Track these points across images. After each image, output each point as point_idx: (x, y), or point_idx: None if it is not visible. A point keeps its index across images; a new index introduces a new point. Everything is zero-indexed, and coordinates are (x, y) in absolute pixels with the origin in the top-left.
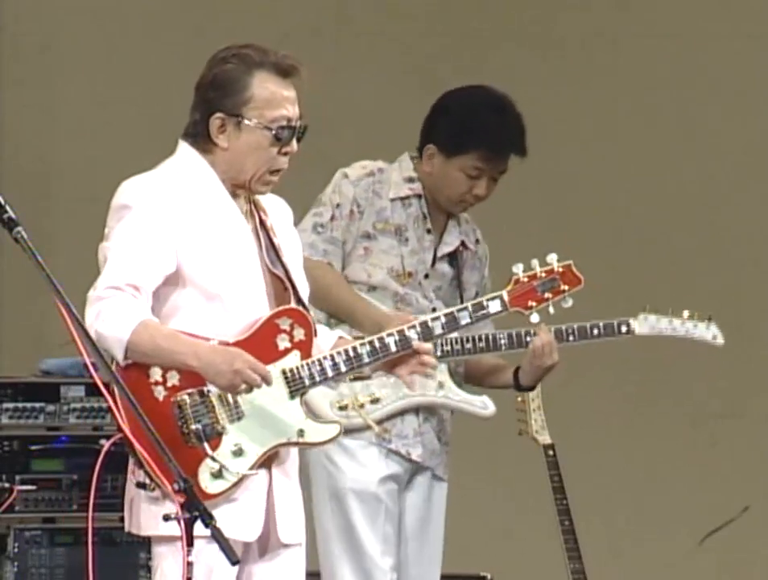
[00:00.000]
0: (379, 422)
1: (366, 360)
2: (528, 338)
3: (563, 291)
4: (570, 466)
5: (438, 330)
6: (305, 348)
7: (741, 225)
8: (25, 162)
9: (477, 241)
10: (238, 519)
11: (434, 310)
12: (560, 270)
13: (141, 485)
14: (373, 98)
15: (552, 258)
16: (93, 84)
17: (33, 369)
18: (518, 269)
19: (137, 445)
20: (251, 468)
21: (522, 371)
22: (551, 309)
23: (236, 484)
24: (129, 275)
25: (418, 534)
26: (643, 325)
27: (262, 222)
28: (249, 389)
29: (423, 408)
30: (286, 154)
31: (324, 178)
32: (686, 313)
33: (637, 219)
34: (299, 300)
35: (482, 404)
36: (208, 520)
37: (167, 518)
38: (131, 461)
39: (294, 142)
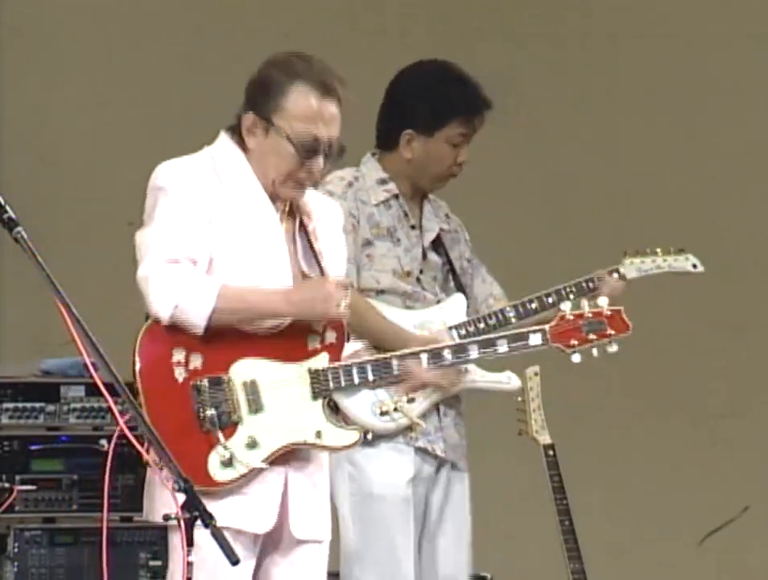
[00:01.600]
0: (420, 418)
1: (395, 372)
2: (533, 305)
3: (609, 335)
4: (570, 466)
5: (474, 355)
6: (335, 352)
7: (741, 225)
8: (25, 162)
9: (447, 215)
10: (250, 511)
11: (438, 302)
12: (609, 313)
13: (149, 464)
14: (373, 98)
15: (603, 301)
16: (93, 84)
17: (33, 369)
18: (566, 306)
19: (137, 446)
20: (263, 462)
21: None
22: (595, 352)
23: (245, 476)
24: (184, 249)
25: (446, 528)
26: (630, 269)
27: (302, 224)
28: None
29: (442, 403)
30: (309, 170)
31: None
32: (659, 250)
33: (637, 219)
34: None
35: (507, 379)
36: (208, 521)
37: (166, 518)
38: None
39: (319, 159)
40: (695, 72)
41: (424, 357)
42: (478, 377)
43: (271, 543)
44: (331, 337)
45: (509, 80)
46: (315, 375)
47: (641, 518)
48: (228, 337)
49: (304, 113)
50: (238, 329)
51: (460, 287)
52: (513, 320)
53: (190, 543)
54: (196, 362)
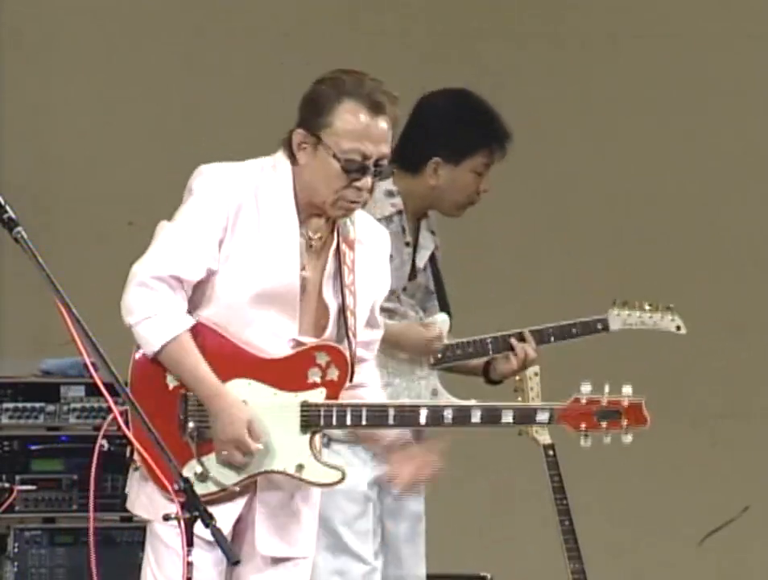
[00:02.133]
0: None
1: (391, 422)
2: (513, 340)
3: (623, 425)
4: (570, 466)
5: (475, 419)
6: (334, 389)
7: (742, 225)
8: (25, 162)
9: (433, 232)
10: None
11: (420, 319)
12: (627, 405)
13: (131, 460)
14: None
15: (627, 390)
16: (93, 84)
17: (33, 369)
18: (586, 389)
19: (137, 445)
20: (235, 484)
21: (495, 369)
22: (607, 439)
23: (217, 493)
24: (174, 266)
25: (398, 537)
26: (616, 321)
27: (338, 250)
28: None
29: None
30: (358, 188)
31: None
32: (647, 306)
33: (637, 219)
34: (348, 337)
35: None
36: (208, 521)
37: (167, 518)
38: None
39: (367, 178)
40: (695, 72)
41: (423, 413)
42: (444, 401)
43: (245, 545)
44: (333, 374)
45: (510, 80)
46: (308, 409)
47: (641, 518)
48: (229, 352)
49: (353, 131)
50: (242, 349)
51: (445, 307)
52: (491, 351)
53: (190, 543)
54: None
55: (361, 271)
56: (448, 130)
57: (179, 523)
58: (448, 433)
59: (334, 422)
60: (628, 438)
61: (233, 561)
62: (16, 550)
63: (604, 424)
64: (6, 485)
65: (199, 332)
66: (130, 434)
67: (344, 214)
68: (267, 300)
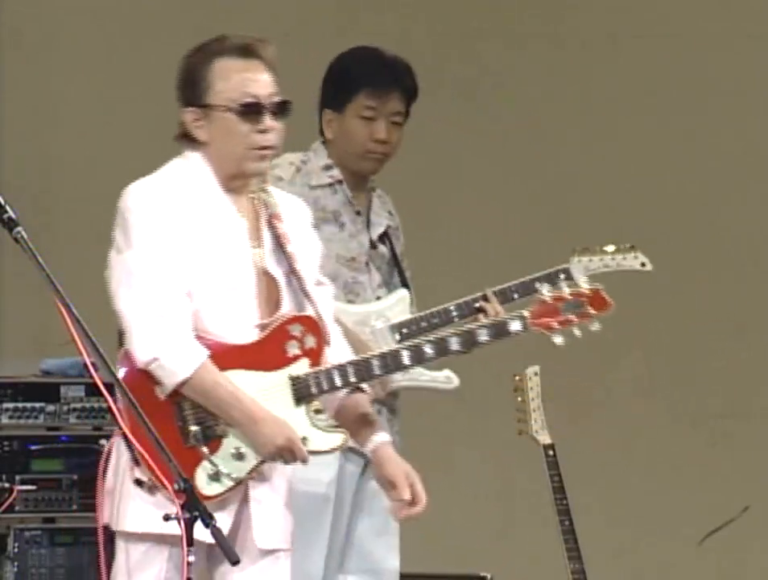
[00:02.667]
0: None
1: (377, 372)
2: (477, 304)
3: (590, 314)
4: (570, 466)
5: (455, 347)
6: (315, 356)
7: (742, 224)
8: (25, 162)
9: (390, 212)
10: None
11: (378, 298)
12: (589, 293)
13: (138, 482)
14: None
15: (583, 280)
16: (94, 84)
17: (33, 369)
18: (545, 290)
19: (137, 445)
20: (249, 473)
21: None
22: (578, 332)
23: (232, 489)
24: (171, 283)
25: (372, 523)
26: (578, 267)
27: (271, 224)
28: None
29: (376, 403)
30: (263, 131)
31: None
32: (611, 247)
33: (636, 219)
34: (311, 302)
35: (446, 379)
36: (209, 521)
37: (167, 518)
38: (128, 456)
39: (266, 118)
40: (695, 72)
41: (405, 354)
42: (417, 376)
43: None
44: (311, 341)
45: (510, 80)
46: (297, 382)
47: (641, 518)
48: (210, 349)
49: (232, 80)
50: (220, 342)
51: (405, 283)
52: (455, 318)
53: (190, 543)
54: None
55: (294, 239)
56: (330, 79)
57: (179, 523)
58: None
59: (325, 387)
60: (595, 326)
61: (234, 562)
62: (16, 550)
63: (573, 317)
64: (6, 485)
65: None
66: (127, 430)
67: (260, 164)
68: (229, 290)
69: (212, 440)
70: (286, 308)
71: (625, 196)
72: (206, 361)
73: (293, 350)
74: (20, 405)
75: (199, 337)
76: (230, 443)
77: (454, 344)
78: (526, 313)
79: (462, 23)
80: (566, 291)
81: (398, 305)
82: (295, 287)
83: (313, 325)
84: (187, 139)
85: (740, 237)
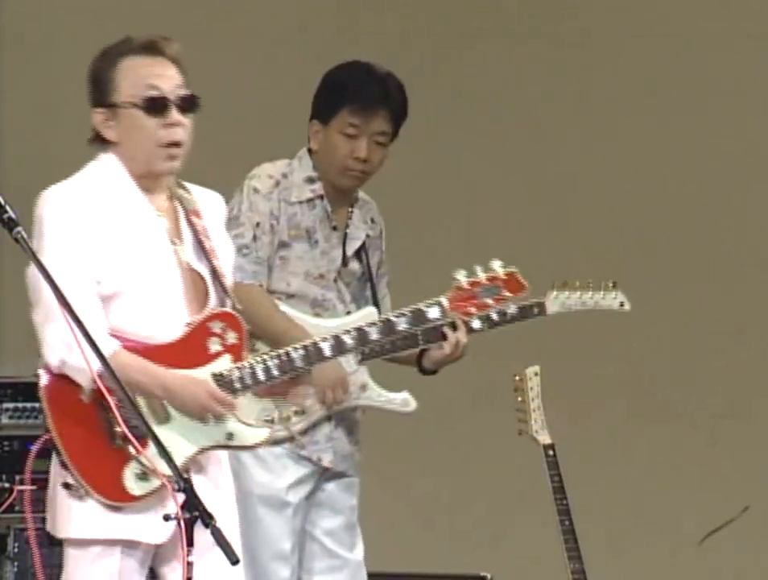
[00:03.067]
0: (303, 432)
1: (299, 364)
2: (445, 329)
3: (506, 297)
4: (570, 466)
5: (374, 336)
6: (237, 352)
7: (742, 224)
8: (25, 162)
9: (373, 220)
10: (146, 521)
11: (348, 313)
12: (504, 276)
13: (66, 485)
14: None
15: (496, 264)
16: None
17: (33, 369)
18: (461, 275)
19: (135, 443)
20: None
21: (428, 358)
22: (495, 316)
23: (162, 486)
24: (78, 289)
25: (330, 534)
26: (554, 303)
27: (190, 221)
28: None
29: (335, 415)
30: (169, 125)
31: None
32: (591, 285)
33: (637, 219)
34: (226, 301)
35: (403, 402)
36: (208, 521)
37: (167, 518)
38: (55, 461)
39: (173, 113)
40: (695, 72)
41: (326, 345)
42: (375, 395)
43: (171, 550)
44: (232, 337)
45: (510, 79)
46: (220, 378)
47: (641, 518)
48: (129, 350)
49: (135, 77)
50: (139, 342)
51: (375, 301)
52: (421, 342)
53: (190, 543)
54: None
55: (212, 235)
56: (321, 91)
57: (178, 523)
58: None
59: (248, 382)
60: (512, 309)
61: (234, 562)
62: (16, 550)
63: (490, 301)
64: (6, 485)
65: None
66: (125, 429)
67: (170, 163)
68: (156, 290)
69: (139, 439)
70: (213, 303)
71: (625, 196)
72: (116, 351)
73: (215, 346)
74: (20, 405)
75: (120, 339)
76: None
77: (373, 334)
78: (443, 299)
79: (462, 23)
80: (481, 275)
81: (363, 322)
82: (215, 283)
83: (233, 321)
84: (99, 141)
85: (740, 237)
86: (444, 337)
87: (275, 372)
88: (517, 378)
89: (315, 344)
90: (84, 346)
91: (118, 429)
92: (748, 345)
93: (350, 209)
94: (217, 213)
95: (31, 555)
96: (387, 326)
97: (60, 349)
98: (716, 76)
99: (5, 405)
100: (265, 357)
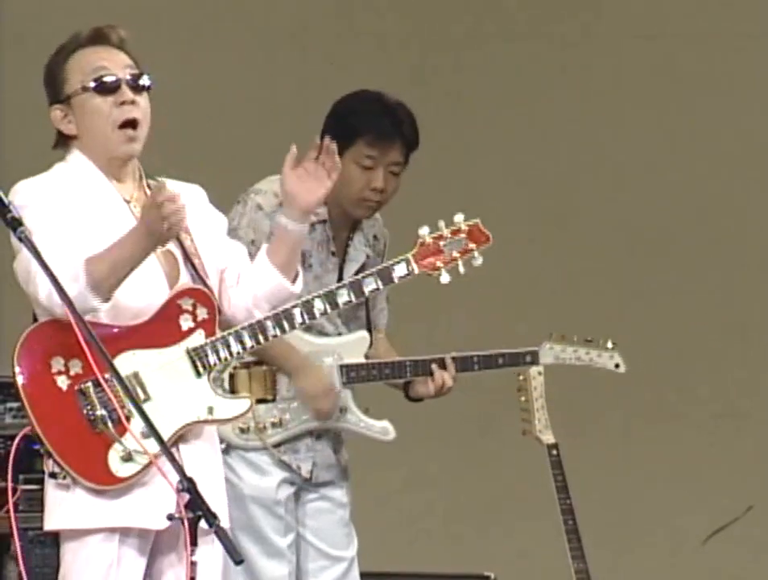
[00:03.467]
0: (278, 445)
1: (272, 332)
2: (433, 366)
3: (471, 249)
4: (573, 465)
5: (344, 298)
6: (209, 327)
7: (742, 225)
8: (27, 162)
9: (375, 236)
10: (146, 507)
11: (340, 335)
12: (467, 228)
13: (52, 474)
14: None
15: (459, 217)
16: None
17: None
18: (424, 231)
19: (141, 444)
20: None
21: (415, 389)
22: (462, 268)
23: (147, 466)
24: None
25: (316, 539)
26: (548, 355)
27: None
28: (178, 220)
29: (320, 434)
30: (124, 103)
31: None
32: (585, 341)
33: (637, 219)
34: (200, 278)
35: (382, 431)
36: (212, 520)
37: (170, 517)
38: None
39: (126, 91)
40: (695, 72)
41: (297, 311)
42: (354, 420)
43: (169, 543)
44: (202, 313)
45: (510, 79)
46: (195, 353)
47: (644, 518)
48: (102, 336)
49: (84, 65)
50: (111, 326)
51: (368, 325)
52: (408, 373)
53: (194, 542)
54: (76, 367)
55: (190, 218)
56: (335, 121)
57: (182, 523)
58: None
59: (222, 355)
60: (478, 261)
61: (238, 561)
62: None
63: (455, 253)
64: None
65: (70, 326)
66: (36, 423)
67: (130, 145)
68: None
69: (120, 422)
70: (184, 280)
71: (625, 195)
72: (85, 259)
73: (187, 323)
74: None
75: (97, 325)
76: (138, 422)
77: (342, 296)
78: (409, 256)
79: (462, 23)
80: (445, 229)
81: (355, 346)
82: (186, 263)
83: (203, 297)
84: (62, 142)
85: (740, 237)
86: (431, 373)
87: (248, 341)
88: (521, 377)
89: (286, 310)
90: (62, 272)
91: (98, 413)
92: (748, 345)
93: (350, 235)
94: (197, 202)
95: (36, 554)
96: (356, 286)
97: (45, 282)
98: (715, 76)
99: (8, 405)
100: (237, 328)
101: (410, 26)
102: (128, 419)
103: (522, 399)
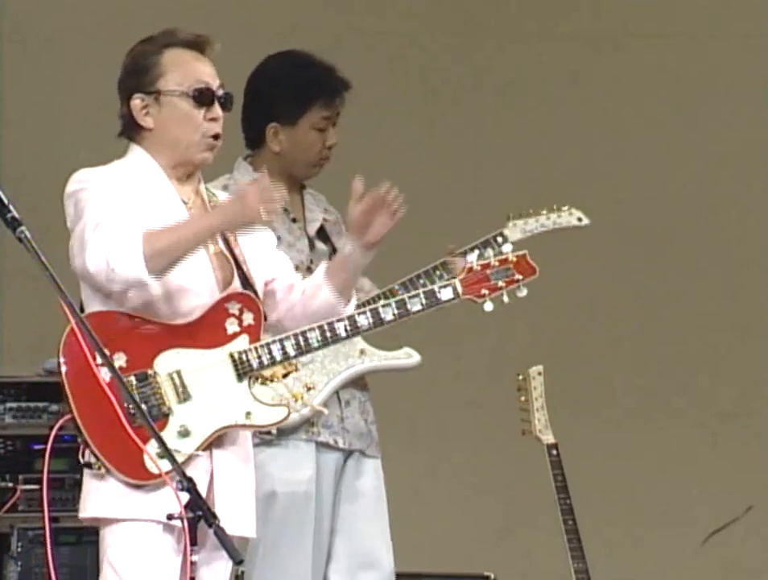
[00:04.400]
0: (323, 405)
1: (315, 345)
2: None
3: (517, 280)
4: (573, 465)
5: (389, 317)
6: (254, 332)
7: (743, 224)
8: (27, 162)
9: (326, 210)
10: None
11: None
12: (514, 259)
13: (87, 465)
14: (372, 98)
15: (508, 248)
16: (96, 82)
17: (37, 368)
18: (473, 257)
19: (138, 440)
20: (197, 449)
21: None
22: (506, 298)
23: (186, 461)
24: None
25: (358, 517)
26: (515, 231)
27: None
28: (271, 209)
29: (343, 394)
30: (213, 119)
31: (327, 173)
32: (543, 210)
33: (638, 218)
34: (249, 285)
35: (406, 355)
36: (212, 520)
37: (170, 517)
38: (79, 440)
39: (217, 107)
40: (695, 72)
41: (340, 326)
42: (377, 358)
43: (198, 537)
44: (248, 318)
45: (510, 79)
46: (238, 358)
47: (644, 518)
48: (147, 332)
49: (185, 68)
50: (159, 323)
51: None
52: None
53: (194, 542)
54: (120, 361)
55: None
56: (277, 93)
57: (182, 522)
58: None
59: (265, 362)
60: (523, 292)
61: (238, 561)
62: (20, 549)
63: (501, 283)
64: (10, 484)
65: (116, 319)
66: (77, 414)
67: (208, 154)
68: (188, 271)
69: (159, 419)
70: (237, 285)
71: (625, 196)
72: (146, 231)
73: (232, 327)
74: (23, 405)
75: (137, 317)
76: (176, 421)
77: (387, 314)
78: (457, 282)
79: (462, 23)
80: (492, 258)
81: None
82: (238, 270)
83: (250, 302)
84: (130, 131)
85: (741, 237)
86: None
87: (291, 351)
88: (520, 377)
89: (330, 324)
90: (120, 241)
91: (143, 407)
92: (748, 345)
93: (301, 199)
94: None
95: (35, 554)
96: (401, 307)
97: (101, 251)
98: (715, 76)
99: (8, 405)
100: (281, 337)
101: (411, 26)
102: (167, 416)
103: (522, 398)
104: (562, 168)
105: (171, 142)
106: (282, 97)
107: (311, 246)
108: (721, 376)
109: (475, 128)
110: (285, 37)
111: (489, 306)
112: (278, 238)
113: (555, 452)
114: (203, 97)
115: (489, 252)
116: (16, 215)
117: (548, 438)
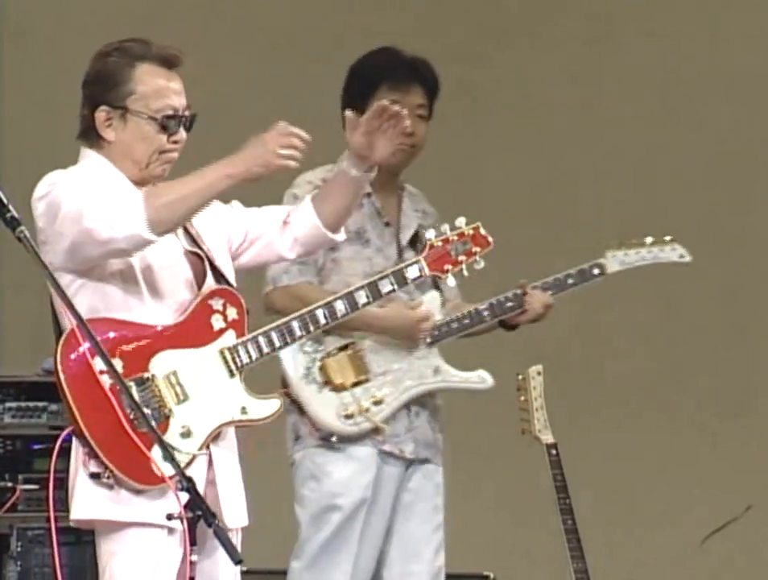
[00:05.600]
0: (386, 421)
1: (298, 334)
2: (509, 304)
3: (475, 253)
4: (572, 465)
5: (363, 300)
6: (239, 327)
7: (743, 224)
8: (28, 161)
9: (424, 211)
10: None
11: (412, 300)
12: (470, 232)
13: (95, 475)
14: None
15: (461, 221)
16: None
17: (36, 368)
18: (431, 235)
19: (139, 444)
20: (200, 448)
21: (511, 318)
22: (465, 272)
23: (186, 466)
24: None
25: (415, 524)
26: (613, 262)
27: None
28: (291, 155)
29: (414, 403)
30: (175, 142)
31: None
32: (649, 239)
33: (638, 218)
34: (224, 280)
35: (479, 379)
36: (212, 520)
37: (170, 517)
38: (82, 451)
39: (182, 130)
40: (695, 72)
41: (320, 313)
42: (449, 377)
43: (199, 534)
44: (232, 313)
45: (511, 79)
46: (228, 353)
47: (643, 517)
48: (138, 336)
49: (157, 90)
50: (148, 326)
51: (436, 285)
52: (487, 318)
53: (193, 542)
54: (117, 366)
55: (201, 228)
56: (351, 81)
57: (182, 522)
58: None
59: (253, 355)
60: (480, 264)
61: (237, 561)
62: (19, 549)
63: (461, 257)
64: (9, 484)
65: (106, 325)
66: (82, 424)
67: (164, 167)
68: (163, 273)
69: (161, 421)
70: (210, 282)
71: (625, 196)
72: (144, 190)
73: (218, 323)
74: (23, 404)
75: (126, 323)
76: (177, 422)
77: (361, 297)
78: (421, 259)
79: (463, 24)
80: (449, 233)
81: (429, 305)
82: (210, 266)
83: (232, 296)
84: (89, 137)
85: (741, 237)
86: (508, 311)
87: (277, 342)
88: (520, 377)
89: (310, 312)
90: (119, 203)
91: (146, 411)
92: (748, 345)
93: (399, 203)
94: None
95: (34, 554)
96: (373, 287)
97: (104, 217)
98: (715, 76)
99: (8, 404)
100: (267, 329)
101: (411, 26)
102: (168, 418)
103: (522, 398)
104: (562, 168)
105: (128, 157)
106: (353, 82)
107: (400, 253)
108: (721, 376)
109: (475, 127)
110: (285, 37)
111: (452, 281)
112: (367, 241)
113: (554, 452)
114: (170, 125)
115: (446, 227)
116: (16, 215)
117: (548, 438)
